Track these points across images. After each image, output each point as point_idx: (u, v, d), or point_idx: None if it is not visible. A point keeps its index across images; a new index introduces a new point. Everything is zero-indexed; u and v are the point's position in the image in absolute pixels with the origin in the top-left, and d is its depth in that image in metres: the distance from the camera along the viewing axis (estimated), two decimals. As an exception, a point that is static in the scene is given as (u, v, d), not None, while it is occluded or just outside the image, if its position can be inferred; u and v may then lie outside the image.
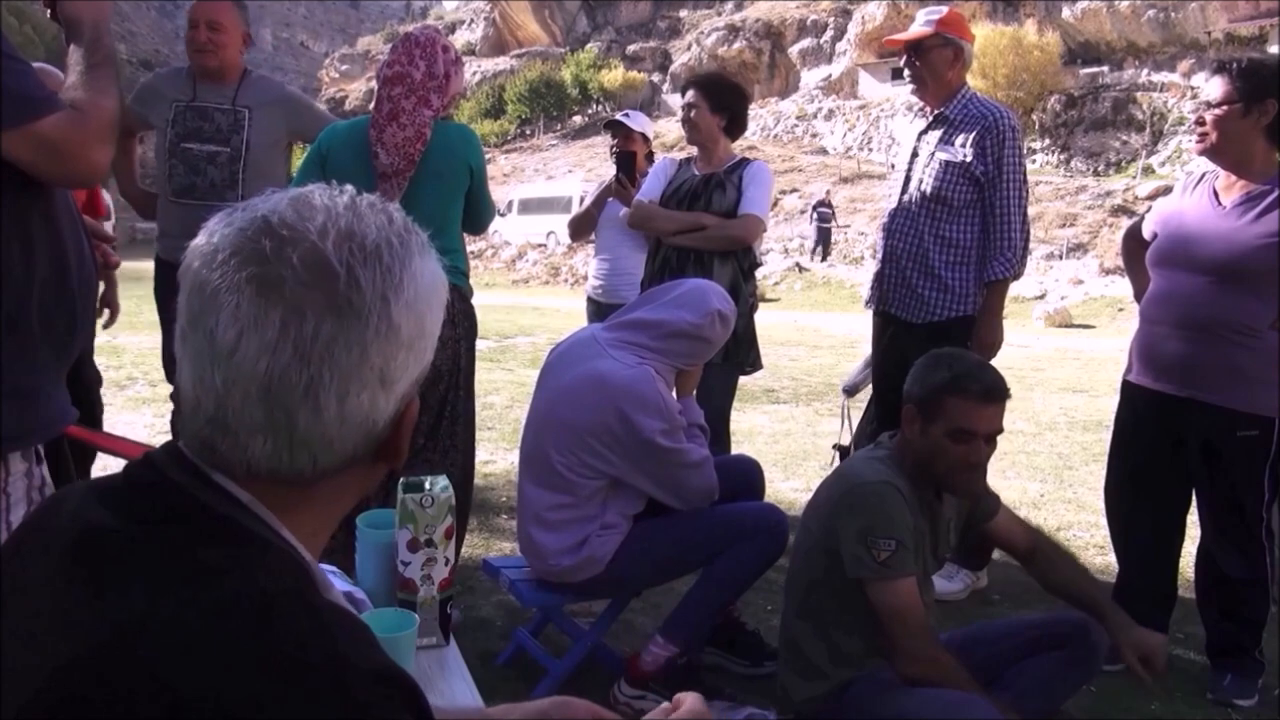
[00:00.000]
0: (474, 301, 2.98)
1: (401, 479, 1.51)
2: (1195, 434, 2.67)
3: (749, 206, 3.27)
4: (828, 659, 2.10)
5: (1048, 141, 27.13)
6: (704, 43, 39.00)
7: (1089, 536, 4.07)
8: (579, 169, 31.84)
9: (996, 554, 2.93)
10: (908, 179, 3.27)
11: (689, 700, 1.04)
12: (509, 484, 4.40)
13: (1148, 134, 25.06)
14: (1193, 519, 2.82)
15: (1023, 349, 11.08)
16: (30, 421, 1.48)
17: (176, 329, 0.74)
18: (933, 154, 3.19)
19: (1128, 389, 2.85)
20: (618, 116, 4.24)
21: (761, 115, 33.43)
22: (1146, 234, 2.86)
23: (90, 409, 3.35)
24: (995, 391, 2.03)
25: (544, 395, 2.52)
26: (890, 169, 6.53)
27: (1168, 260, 2.70)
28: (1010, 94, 25.37)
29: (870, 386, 3.67)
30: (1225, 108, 2.57)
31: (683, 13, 44.40)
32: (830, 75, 35.94)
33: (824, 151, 31.16)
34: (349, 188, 0.77)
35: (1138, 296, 2.89)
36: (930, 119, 3.27)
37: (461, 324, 2.88)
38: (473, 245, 19.53)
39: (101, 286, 3.42)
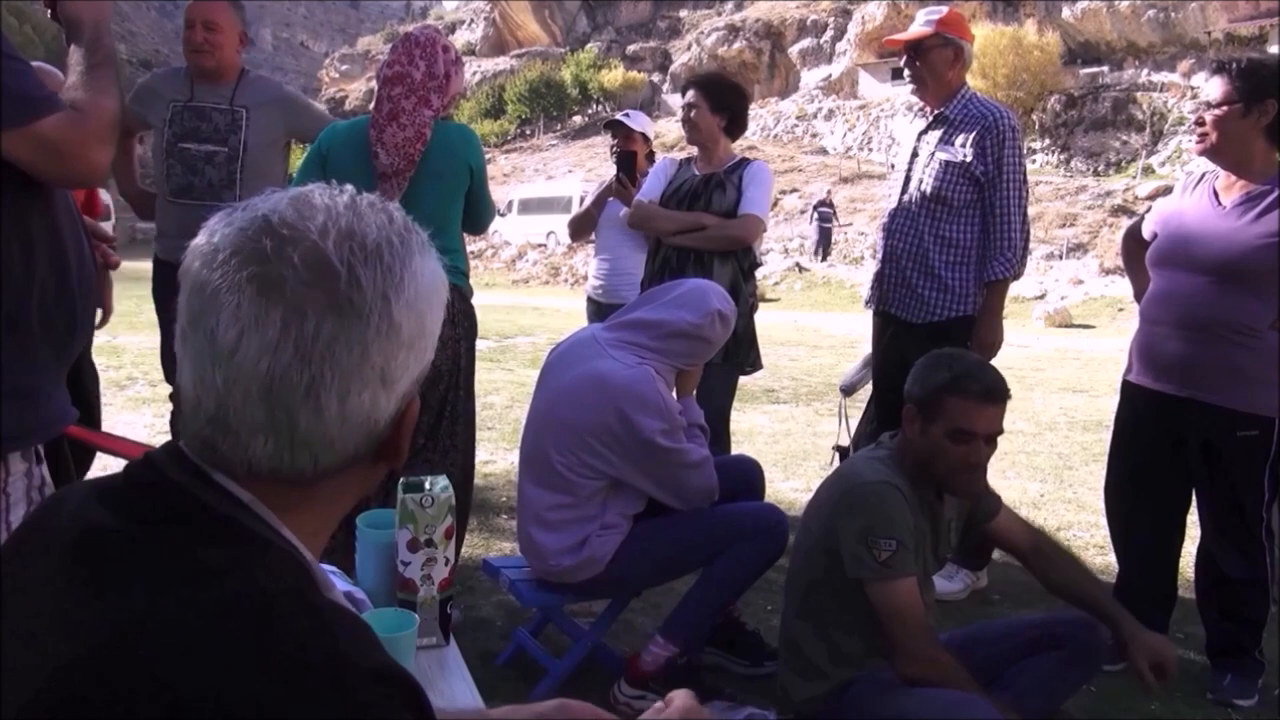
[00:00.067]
0: (474, 301, 2.98)
1: (401, 479, 1.51)
2: (1195, 434, 2.67)
3: (749, 206, 3.27)
4: (828, 659, 2.10)
5: (1048, 141, 27.13)
6: (704, 43, 39.00)
7: (1089, 536, 4.06)
8: (579, 169, 31.83)
9: (996, 554, 2.94)
10: (908, 179, 3.27)
11: (679, 697, 1.04)
12: (509, 484, 4.40)
13: (1148, 134, 25.06)
14: (1193, 519, 2.82)
15: (1023, 349, 11.07)
16: (30, 421, 1.48)
17: (177, 329, 0.74)
18: (933, 154, 3.19)
19: (1128, 389, 2.85)
20: (618, 116, 4.23)
21: (761, 115, 33.41)
22: (1146, 234, 2.86)
23: (90, 409, 3.34)
24: (995, 392, 2.02)
25: (544, 395, 2.52)
26: (890, 169, 6.54)
27: (1168, 260, 2.70)
28: (1010, 94, 25.37)
29: (868, 386, 3.67)
30: (1225, 108, 2.57)
31: (683, 13, 44.41)
32: (830, 75, 35.94)
33: (824, 151, 31.15)
34: (349, 187, 0.77)
35: (1138, 296, 2.89)
36: (930, 119, 3.27)
37: (461, 324, 2.88)
38: (473, 245, 19.53)
39: (99, 286, 3.41)
